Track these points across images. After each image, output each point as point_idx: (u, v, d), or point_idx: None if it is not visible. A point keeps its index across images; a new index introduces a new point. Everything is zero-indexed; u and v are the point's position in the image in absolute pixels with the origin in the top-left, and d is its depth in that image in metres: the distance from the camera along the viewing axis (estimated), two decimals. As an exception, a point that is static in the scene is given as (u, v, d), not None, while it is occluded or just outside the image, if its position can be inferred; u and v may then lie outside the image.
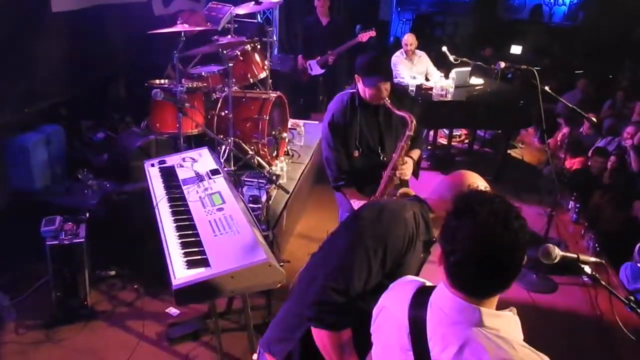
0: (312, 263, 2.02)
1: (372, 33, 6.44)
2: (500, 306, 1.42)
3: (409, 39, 6.71)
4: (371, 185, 3.25)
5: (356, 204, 3.21)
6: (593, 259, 1.85)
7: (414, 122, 3.09)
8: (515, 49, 11.15)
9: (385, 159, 3.27)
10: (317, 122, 6.72)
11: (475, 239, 1.32)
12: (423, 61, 6.90)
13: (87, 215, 3.76)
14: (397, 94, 3.30)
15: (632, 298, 1.75)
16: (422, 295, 1.49)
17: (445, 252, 1.39)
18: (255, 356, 2.12)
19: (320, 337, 1.79)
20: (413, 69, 6.80)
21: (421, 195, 2.06)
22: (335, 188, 3.36)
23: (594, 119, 4.68)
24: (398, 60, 6.73)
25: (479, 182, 1.95)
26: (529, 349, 1.33)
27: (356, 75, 3.15)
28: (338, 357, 1.79)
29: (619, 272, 4.20)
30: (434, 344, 1.39)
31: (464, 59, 6.12)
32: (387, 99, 3.12)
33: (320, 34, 6.76)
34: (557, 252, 1.80)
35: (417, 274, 1.94)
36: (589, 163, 5.82)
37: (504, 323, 1.36)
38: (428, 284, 1.59)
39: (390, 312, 1.58)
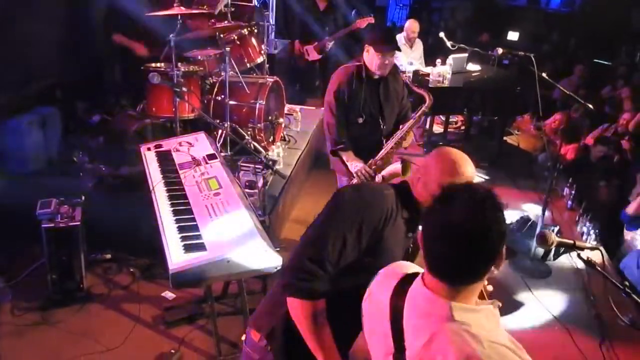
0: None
1: (371, 19, 6.40)
2: (496, 290, 1.43)
3: (414, 26, 6.63)
4: (369, 150, 3.56)
5: (353, 165, 3.51)
6: (589, 245, 1.87)
7: (431, 99, 3.55)
8: (512, 35, 11.12)
9: (384, 127, 3.63)
10: (313, 107, 6.71)
11: (447, 222, 1.35)
12: (419, 48, 6.87)
13: (83, 198, 3.75)
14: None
15: (627, 284, 1.76)
16: (404, 284, 1.52)
17: (424, 233, 1.42)
18: (243, 337, 2.12)
19: (293, 305, 1.79)
20: (410, 55, 6.77)
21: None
22: (333, 153, 3.64)
23: (590, 105, 4.68)
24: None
25: (465, 166, 1.88)
26: (501, 344, 1.32)
27: (367, 46, 3.44)
28: (310, 327, 1.78)
29: (622, 262, 4.20)
30: (407, 333, 1.42)
31: (461, 45, 6.09)
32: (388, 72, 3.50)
33: (318, 19, 6.71)
34: (554, 238, 1.80)
35: (405, 258, 1.92)
36: (594, 152, 5.77)
37: (478, 318, 1.36)
38: (414, 269, 1.62)
39: (376, 298, 1.61)
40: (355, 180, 3.45)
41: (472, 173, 1.89)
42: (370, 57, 3.46)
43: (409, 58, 6.69)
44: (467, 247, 1.33)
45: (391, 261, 1.80)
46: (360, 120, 3.59)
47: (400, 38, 6.70)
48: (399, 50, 3.56)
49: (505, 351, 1.32)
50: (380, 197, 1.87)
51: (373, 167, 3.44)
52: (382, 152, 3.48)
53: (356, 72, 3.53)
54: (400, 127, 3.55)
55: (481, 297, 1.55)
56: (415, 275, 1.54)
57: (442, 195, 1.41)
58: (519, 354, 1.33)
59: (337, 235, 1.77)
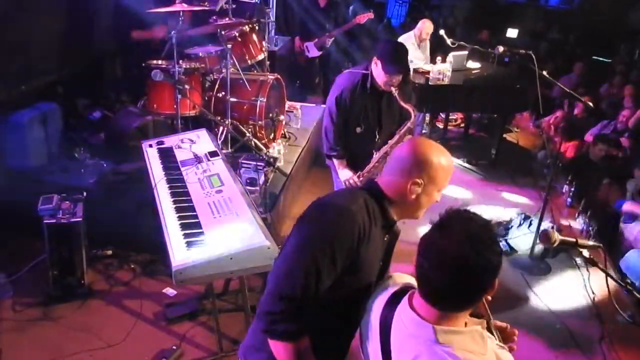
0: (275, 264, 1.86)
1: (370, 15, 6.39)
2: (497, 291, 1.45)
3: (429, 28, 6.44)
4: (364, 159, 3.53)
5: (342, 174, 3.55)
6: (591, 243, 1.88)
7: (415, 115, 3.42)
8: (512, 32, 11.11)
9: (378, 140, 3.56)
10: (314, 104, 6.71)
11: (443, 251, 1.36)
12: (427, 49, 6.79)
13: (84, 194, 3.75)
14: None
15: (628, 281, 1.78)
16: (394, 301, 1.54)
17: (418, 258, 1.42)
18: None
19: (276, 348, 1.69)
20: (414, 53, 6.70)
21: (377, 178, 1.87)
22: (328, 156, 3.64)
23: (590, 103, 4.69)
24: (406, 41, 6.55)
25: (435, 157, 1.76)
26: None
27: (376, 59, 3.32)
28: None
29: (622, 260, 4.21)
30: (393, 350, 1.46)
31: (461, 43, 6.09)
32: (394, 89, 3.34)
33: (318, 15, 6.70)
34: (557, 237, 1.81)
35: (384, 260, 1.85)
36: (594, 150, 5.77)
37: (462, 340, 1.39)
38: (406, 280, 1.64)
39: (371, 315, 1.63)
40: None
41: (447, 162, 1.78)
42: (378, 72, 3.32)
43: (411, 56, 6.64)
44: (461, 277, 1.35)
45: (371, 271, 1.77)
46: (359, 130, 3.53)
47: (410, 36, 6.58)
48: (408, 71, 3.57)
49: None
50: (350, 219, 1.68)
51: (361, 178, 3.44)
52: (370, 165, 3.44)
53: (362, 81, 3.44)
54: (389, 142, 3.46)
55: (481, 306, 1.57)
56: (406, 290, 1.55)
57: (440, 223, 1.41)
58: None
59: (308, 269, 1.62)
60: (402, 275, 1.74)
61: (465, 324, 1.45)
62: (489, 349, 1.42)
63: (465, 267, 1.33)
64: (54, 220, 3.49)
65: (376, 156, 3.45)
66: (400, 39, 6.35)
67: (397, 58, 3.28)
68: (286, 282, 1.64)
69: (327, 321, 1.75)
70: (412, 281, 1.63)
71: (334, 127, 3.51)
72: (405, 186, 1.74)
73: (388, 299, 1.57)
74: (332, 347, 1.82)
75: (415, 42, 6.63)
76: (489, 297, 1.45)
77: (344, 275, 1.68)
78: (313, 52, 6.77)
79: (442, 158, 1.76)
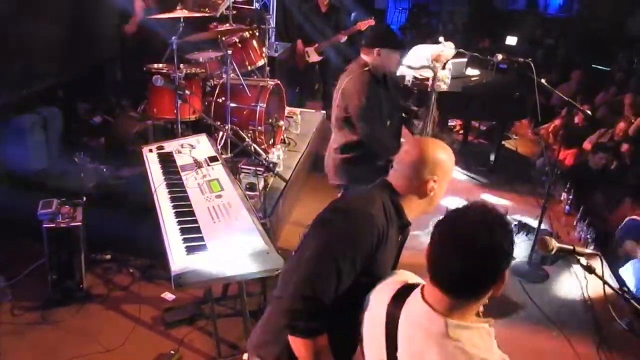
0: (290, 265, 1.93)
1: (371, 21, 6.40)
2: (494, 298, 1.46)
3: (449, 54, 6.10)
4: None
5: None
6: (588, 251, 1.90)
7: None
8: (511, 40, 11.15)
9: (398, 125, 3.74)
10: (313, 110, 6.73)
11: (458, 234, 1.40)
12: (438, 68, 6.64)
13: (84, 198, 3.76)
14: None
15: (625, 289, 1.79)
16: (401, 295, 1.55)
17: (431, 246, 1.45)
18: (245, 356, 2.09)
19: (296, 344, 1.78)
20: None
21: (389, 177, 1.96)
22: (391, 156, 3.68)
23: (588, 112, 4.72)
24: (419, 51, 6.43)
25: (442, 154, 1.89)
26: None
27: (378, 49, 3.41)
28: None
29: (622, 269, 4.22)
30: (401, 344, 1.46)
31: (460, 50, 6.11)
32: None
33: (319, 21, 6.71)
34: (554, 244, 1.83)
35: (395, 259, 1.95)
36: (594, 159, 5.78)
37: (471, 335, 1.40)
38: (413, 280, 1.64)
39: (373, 306, 1.65)
40: None
41: (450, 154, 1.93)
42: (387, 58, 3.46)
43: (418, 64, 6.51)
44: (473, 260, 1.37)
45: (386, 271, 1.84)
46: (388, 123, 3.62)
47: (426, 50, 6.44)
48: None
49: None
50: (370, 223, 1.77)
51: None
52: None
53: (371, 77, 3.49)
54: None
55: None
56: (414, 286, 1.57)
57: (456, 210, 1.46)
58: None
59: (330, 273, 1.72)
60: (405, 272, 1.76)
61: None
62: (495, 348, 1.44)
63: (477, 248, 1.36)
64: (54, 225, 3.50)
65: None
66: (416, 48, 6.28)
67: (398, 40, 3.55)
68: (309, 285, 1.73)
69: (340, 318, 1.79)
70: (414, 279, 1.67)
71: (383, 130, 3.56)
72: (424, 186, 1.86)
73: (396, 292, 1.58)
74: (345, 343, 1.86)
75: (429, 57, 6.51)
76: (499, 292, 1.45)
77: (361, 277, 1.77)
78: (313, 57, 6.79)
79: (446, 153, 1.91)
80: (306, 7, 6.83)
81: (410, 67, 5.90)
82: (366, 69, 3.48)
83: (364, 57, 3.54)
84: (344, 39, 6.63)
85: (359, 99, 3.41)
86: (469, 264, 1.37)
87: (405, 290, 1.57)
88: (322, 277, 1.72)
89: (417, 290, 1.52)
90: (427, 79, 6.18)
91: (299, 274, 1.76)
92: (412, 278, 1.69)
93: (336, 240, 1.77)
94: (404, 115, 3.89)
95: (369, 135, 3.48)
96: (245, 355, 2.24)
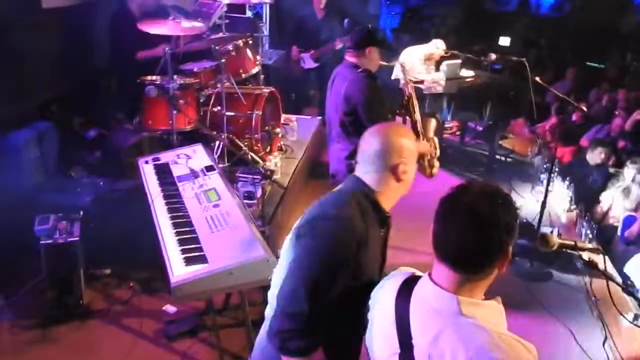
0: (275, 282, 1.89)
1: (344, 41, 6.29)
2: (497, 294, 1.45)
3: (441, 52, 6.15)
4: None
5: (423, 146, 3.62)
6: (590, 246, 1.89)
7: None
8: (504, 41, 11.17)
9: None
10: (309, 116, 6.71)
11: (460, 206, 1.40)
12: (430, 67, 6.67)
13: (81, 213, 3.74)
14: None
15: (629, 283, 1.77)
16: (408, 285, 1.54)
17: (436, 224, 1.45)
18: None
19: None
20: (418, 66, 6.56)
21: (357, 173, 1.92)
22: None
23: (584, 108, 4.72)
24: (413, 53, 6.43)
25: (403, 136, 1.91)
26: (509, 336, 1.36)
27: (372, 48, 3.49)
28: None
29: (627, 265, 4.20)
30: (414, 329, 1.44)
31: (454, 52, 6.11)
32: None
33: (315, 28, 6.69)
34: (555, 240, 1.82)
35: (382, 254, 1.95)
36: (593, 155, 5.75)
37: (484, 312, 1.40)
38: (418, 273, 1.62)
39: (380, 302, 1.63)
40: None
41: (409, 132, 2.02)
42: (375, 57, 3.56)
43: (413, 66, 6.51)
44: (476, 230, 1.37)
45: (373, 272, 1.83)
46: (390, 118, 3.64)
47: (419, 50, 6.44)
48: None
49: (514, 342, 1.34)
50: (345, 227, 1.73)
51: None
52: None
53: (368, 77, 3.53)
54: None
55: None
56: (419, 277, 1.55)
57: (458, 186, 1.47)
58: (526, 344, 1.36)
59: (312, 288, 1.67)
60: (408, 268, 1.73)
61: None
62: (506, 328, 1.43)
63: (479, 218, 1.37)
64: (51, 241, 3.48)
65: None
66: (409, 50, 6.27)
67: (378, 34, 3.71)
68: (291, 301, 1.69)
69: (336, 327, 1.76)
70: (418, 273, 1.64)
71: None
72: (395, 171, 1.85)
73: (402, 284, 1.56)
74: (344, 351, 1.85)
75: (422, 58, 6.52)
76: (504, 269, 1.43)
77: (348, 282, 1.72)
78: (309, 63, 6.76)
79: (405, 131, 1.97)
80: (302, 12, 6.80)
81: (403, 69, 5.88)
82: (359, 70, 3.50)
83: (352, 59, 3.55)
84: (340, 45, 6.60)
85: (366, 98, 3.44)
86: (472, 234, 1.37)
87: (410, 281, 1.56)
88: (303, 291, 1.67)
89: (425, 275, 1.51)
90: (422, 82, 6.19)
91: (281, 292, 1.73)
92: (417, 272, 1.67)
93: (313, 251, 1.72)
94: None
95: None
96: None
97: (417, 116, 3.67)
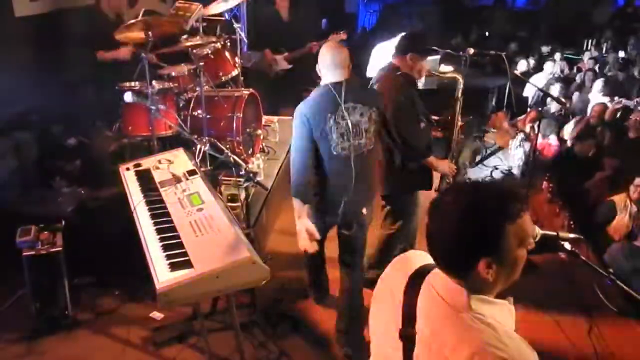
0: None
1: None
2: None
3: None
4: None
5: (444, 166, 3.77)
6: (572, 235, 1.89)
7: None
8: (482, 35, 11.30)
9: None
10: (290, 117, 6.67)
11: (439, 203, 1.41)
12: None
13: (63, 223, 3.69)
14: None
15: (611, 271, 1.79)
16: (420, 274, 1.52)
17: (428, 225, 1.43)
18: None
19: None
20: None
21: None
22: (423, 161, 3.68)
23: (563, 100, 4.78)
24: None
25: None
26: (516, 337, 1.34)
27: (415, 55, 3.54)
28: None
29: (606, 254, 4.26)
30: (420, 319, 1.43)
31: (433, 48, 6.12)
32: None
33: (281, 29, 6.63)
34: (538, 231, 1.83)
35: None
36: (583, 147, 5.80)
37: (493, 310, 1.38)
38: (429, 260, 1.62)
39: (388, 283, 1.60)
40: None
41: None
42: (418, 64, 3.59)
43: None
44: (456, 222, 1.35)
45: None
46: (422, 125, 3.64)
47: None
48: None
49: (519, 341, 1.33)
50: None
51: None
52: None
53: (405, 81, 3.56)
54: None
55: None
56: (428, 266, 1.53)
57: (447, 189, 1.47)
58: (531, 350, 1.33)
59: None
60: (421, 253, 1.66)
61: None
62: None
63: (459, 208, 1.34)
64: (33, 252, 3.43)
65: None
66: (382, 45, 6.25)
67: (423, 42, 3.70)
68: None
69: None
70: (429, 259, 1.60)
71: (417, 128, 3.59)
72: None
73: (414, 273, 1.53)
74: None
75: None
76: (493, 267, 1.36)
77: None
78: (282, 64, 6.72)
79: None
80: (266, 14, 6.73)
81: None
82: (398, 73, 3.53)
83: (395, 62, 3.61)
84: (316, 49, 6.56)
85: (392, 100, 3.41)
86: (452, 227, 1.35)
87: (420, 272, 1.52)
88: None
89: (438, 269, 1.47)
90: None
91: None
92: (428, 259, 1.63)
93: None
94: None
95: (399, 131, 3.47)
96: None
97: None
